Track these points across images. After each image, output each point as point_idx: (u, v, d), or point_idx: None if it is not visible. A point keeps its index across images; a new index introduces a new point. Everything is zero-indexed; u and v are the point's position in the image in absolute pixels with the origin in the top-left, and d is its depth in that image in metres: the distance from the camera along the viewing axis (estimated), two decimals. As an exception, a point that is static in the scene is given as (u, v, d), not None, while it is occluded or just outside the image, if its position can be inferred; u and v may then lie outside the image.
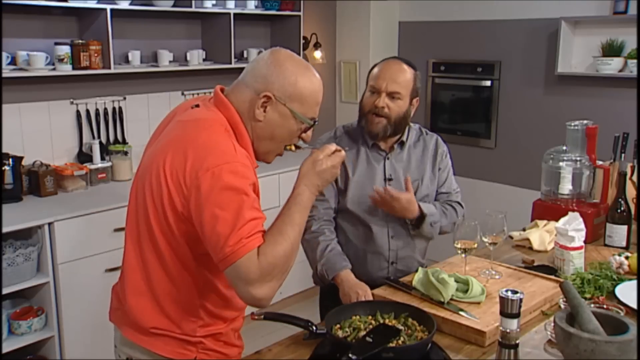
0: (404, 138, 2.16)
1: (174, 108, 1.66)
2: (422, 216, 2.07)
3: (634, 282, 1.91)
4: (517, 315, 1.40)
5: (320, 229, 2.12)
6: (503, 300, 1.41)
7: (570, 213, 2.12)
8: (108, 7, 3.27)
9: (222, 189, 1.36)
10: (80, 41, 3.26)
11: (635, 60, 3.51)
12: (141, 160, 1.59)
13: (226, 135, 1.45)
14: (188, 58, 3.86)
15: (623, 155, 2.56)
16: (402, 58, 2.14)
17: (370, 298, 1.87)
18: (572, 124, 2.53)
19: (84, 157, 3.51)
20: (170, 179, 1.42)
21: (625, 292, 1.87)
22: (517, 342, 1.42)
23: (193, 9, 3.68)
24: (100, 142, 3.56)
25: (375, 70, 2.10)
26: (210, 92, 3.41)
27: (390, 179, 2.12)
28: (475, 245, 1.95)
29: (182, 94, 3.99)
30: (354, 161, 2.14)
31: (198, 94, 4.04)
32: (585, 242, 2.08)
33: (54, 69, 3.22)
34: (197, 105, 1.56)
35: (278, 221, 1.45)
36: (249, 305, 1.42)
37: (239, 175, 1.38)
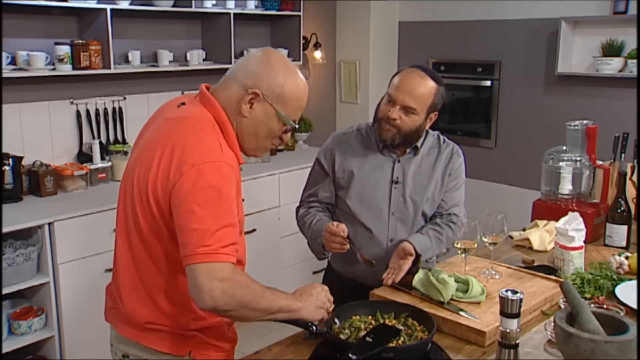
0: (418, 144, 2.11)
1: (160, 106, 1.67)
2: (416, 256, 1.97)
3: (634, 282, 1.91)
4: (517, 315, 1.41)
5: (307, 211, 2.15)
6: (503, 300, 1.41)
7: (570, 213, 2.12)
8: (108, 7, 3.27)
9: (204, 187, 1.38)
10: (80, 41, 3.26)
11: (635, 60, 3.51)
12: (128, 160, 1.61)
13: (213, 133, 1.47)
14: (188, 58, 3.86)
15: (623, 155, 2.56)
16: (429, 69, 2.06)
17: (339, 230, 1.89)
18: (572, 124, 2.53)
19: (84, 157, 3.51)
20: (156, 176, 1.44)
21: (625, 292, 1.87)
22: (517, 342, 1.43)
23: (193, 9, 3.68)
24: (100, 142, 3.56)
25: (396, 79, 2.03)
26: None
27: (396, 182, 2.09)
28: (475, 245, 1.95)
29: (182, 94, 3.96)
30: (361, 159, 2.12)
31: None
32: (585, 242, 2.08)
33: (54, 69, 3.22)
34: (183, 103, 1.58)
35: (264, 287, 1.47)
36: (198, 303, 1.38)
37: (223, 175, 1.40)
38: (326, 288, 1.62)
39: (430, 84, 2.00)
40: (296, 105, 1.56)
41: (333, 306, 1.61)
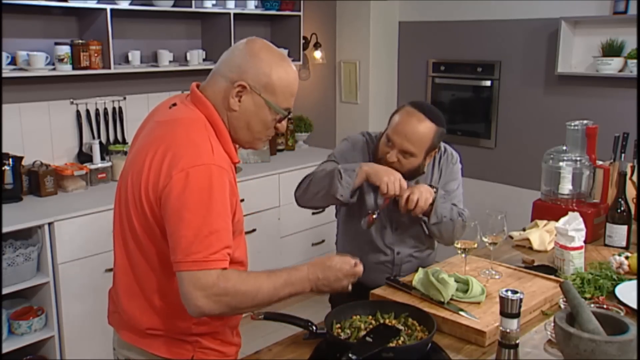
0: None
1: (153, 108, 1.67)
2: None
3: (634, 282, 1.91)
4: (517, 315, 1.41)
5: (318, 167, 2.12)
6: (503, 300, 1.41)
7: (570, 213, 2.12)
8: (108, 7, 3.27)
9: (194, 191, 1.36)
10: (80, 41, 3.26)
11: (635, 60, 3.51)
12: (125, 163, 1.60)
13: (205, 134, 1.46)
14: (188, 58, 3.86)
15: (623, 155, 2.56)
16: (428, 107, 2.04)
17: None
18: (572, 124, 2.52)
19: (84, 157, 3.51)
20: (148, 180, 1.43)
21: (625, 292, 1.87)
22: (517, 342, 1.42)
23: (193, 9, 3.68)
24: (100, 142, 3.56)
25: (396, 118, 2.03)
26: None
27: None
28: (475, 245, 1.95)
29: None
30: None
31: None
32: (585, 242, 2.08)
33: (54, 69, 3.22)
34: (175, 104, 1.57)
35: (263, 272, 1.46)
36: (187, 309, 1.39)
37: (213, 178, 1.38)
38: (347, 259, 1.56)
39: (429, 126, 2.00)
40: (286, 93, 1.52)
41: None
